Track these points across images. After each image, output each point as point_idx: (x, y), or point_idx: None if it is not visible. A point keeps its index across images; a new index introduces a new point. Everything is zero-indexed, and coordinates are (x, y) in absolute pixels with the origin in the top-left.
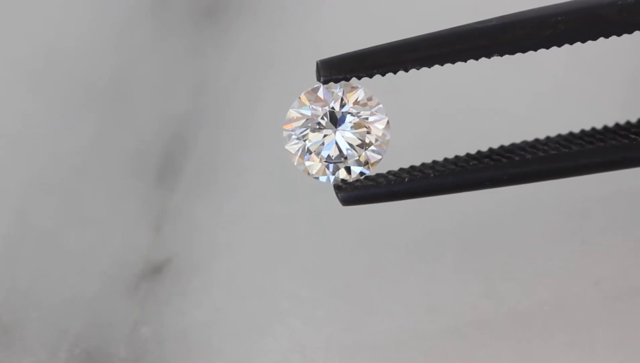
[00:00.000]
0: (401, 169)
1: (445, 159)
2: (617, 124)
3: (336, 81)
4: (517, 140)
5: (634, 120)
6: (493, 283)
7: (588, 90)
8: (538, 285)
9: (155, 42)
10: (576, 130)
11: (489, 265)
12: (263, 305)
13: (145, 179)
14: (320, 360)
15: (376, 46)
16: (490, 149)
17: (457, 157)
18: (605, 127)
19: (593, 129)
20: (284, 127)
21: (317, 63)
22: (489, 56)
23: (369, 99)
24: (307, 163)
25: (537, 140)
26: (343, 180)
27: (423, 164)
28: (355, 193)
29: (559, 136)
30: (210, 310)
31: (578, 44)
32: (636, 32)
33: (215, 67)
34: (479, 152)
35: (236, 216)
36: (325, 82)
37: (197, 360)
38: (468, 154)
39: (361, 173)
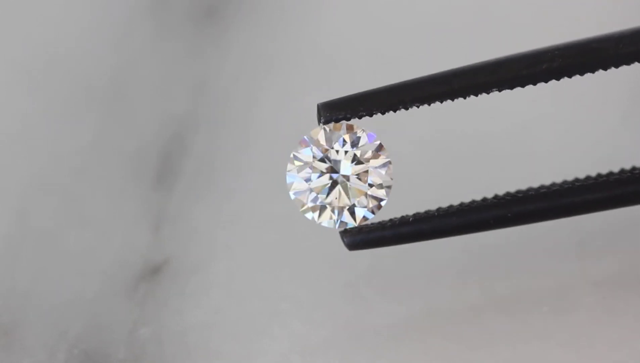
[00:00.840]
0: (406, 215)
1: (450, 205)
2: (621, 169)
3: (337, 121)
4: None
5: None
6: (492, 284)
7: (588, 98)
8: (536, 286)
9: (154, 43)
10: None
11: (487, 265)
12: (262, 306)
13: (144, 180)
14: (319, 361)
15: (376, 88)
16: (496, 195)
17: (461, 203)
18: (610, 172)
19: (598, 174)
20: (287, 171)
21: (317, 106)
22: (487, 92)
23: (372, 140)
24: (312, 209)
25: (542, 185)
26: (347, 225)
27: (427, 210)
28: (360, 236)
29: (564, 181)
30: (209, 311)
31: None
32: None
33: (214, 68)
34: (484, 198)
35: (235, 217)
36: (326, 123)
37: (196, 361)
38: (473, 200)
39: (365, 218)
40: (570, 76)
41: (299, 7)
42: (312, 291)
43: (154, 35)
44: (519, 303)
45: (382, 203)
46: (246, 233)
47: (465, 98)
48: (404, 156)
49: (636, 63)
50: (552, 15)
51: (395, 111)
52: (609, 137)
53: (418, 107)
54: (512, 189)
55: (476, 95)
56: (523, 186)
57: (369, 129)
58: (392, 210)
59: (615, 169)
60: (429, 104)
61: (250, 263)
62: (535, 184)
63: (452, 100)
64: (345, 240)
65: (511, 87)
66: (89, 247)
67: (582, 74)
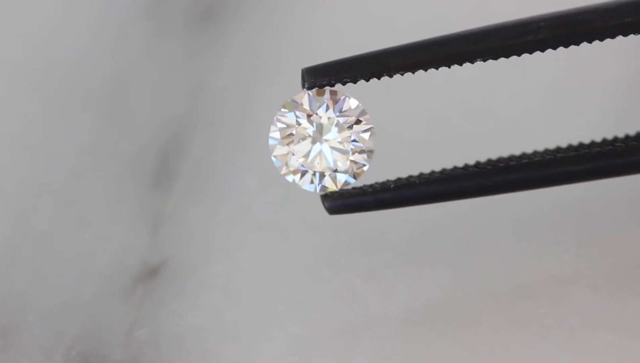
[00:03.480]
0: (387, 181)
1: (432, 171)
2: (604, 139)
3: (321, 87)
4: (510, 142)
5: (621, 135)
6: (489, 284)
7: (582, 90)
8: (534, 287)
9: (152, 45)
10: (567, 135)
11: (485, 266)
12: (260, 308)
13: (142, 181)
14: (316, 362)
15: (361, 54)
16: (477, 162)
17: (443, 169)
18: (592, 141)
19: (580, 143)
20: (270, 134)
21: (302, 70)
22: (472, 61)
23: (355, 106)
24: (294, 173)
25: (524, 153)
26: (329, 189)
27: (409, 176)
28: (341, 201)
29: (546, 149)
30: (207, 313)
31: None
32: (619, 37)
33: (212, 69)
34: (466, 165)
35: (233, 218)
36: (310, 88)
37: (193, 362)
38: (455, 167)
39: (347, 182)
40: (554, 48)
41: (295, 10)
42: (310, 293)
43: (151, 37)
44: (517, 305)
45: (364, 168)
46: (244, 235)
47: (449, 67)
48: (389, 123)
49: (620, 36)
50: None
51: (379, 78)
52: (604, 134)
53: (402, 74)
54: (496, 147)
55: (460, 64)
56: (510, 142)
57: (355, 96)
58: (375, 177)
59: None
60: (413, 72)
61: (248, 264)
62: (521, 141)
63: (437, 68)
64: (326, 204)
65: (495, 58)
66: (86, 248)
67: (566, 46)
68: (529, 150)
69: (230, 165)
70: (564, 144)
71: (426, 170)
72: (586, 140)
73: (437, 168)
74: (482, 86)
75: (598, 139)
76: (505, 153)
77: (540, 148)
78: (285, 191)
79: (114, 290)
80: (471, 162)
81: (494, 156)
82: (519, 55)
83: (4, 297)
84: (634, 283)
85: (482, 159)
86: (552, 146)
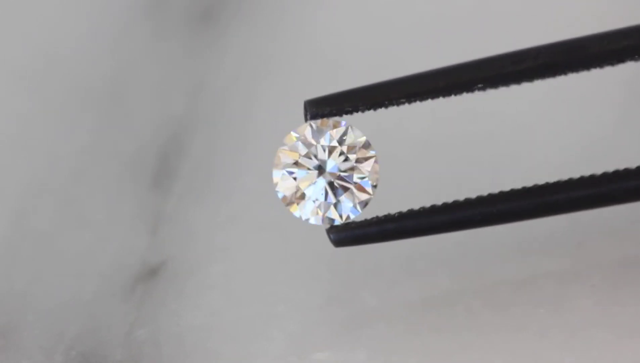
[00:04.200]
0: (390, 213)
1: (433, 204)
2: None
3: (323, 116)
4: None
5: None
6: (488, 285)
7: (585, 91)
8: (534, 287)
9: (151, 45)
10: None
11: (484, 266)
12: (260, 308)
13: (142, 181)
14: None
15: (363, 86)
16: (479, 196)
17: (444, 203)
18: (592, 175)
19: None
20: (273, 168)
21: (304, 103)
22: (472, 90)
23: (359, 137)
24: (298, 206)
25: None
26: (334, 222)
27: (410, 209)
28: (346, 233)
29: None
30: (206, 313)
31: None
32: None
33: (212, 69)
34: (466, 199)
35: (233, 219)
36: (312, 118)
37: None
38: (456, 200)
39: (351, 215)
40: (554, 75)
41: (296, 10)
42: (309, 293)
43: (151, 37)
44: (516, 305)
45: (368, 200)
46: (244, 235)
47: (448, 96)
48: (393, 155)
49: (620, 64)
50: (551, 14)
51: (380, 107)
52: (605, 137)
53: (402, 104)
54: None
55: (460, 93)
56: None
57: (359, 127)
58: (380, 210)
59: (611, 170)
60: (414, 101)
61: (248, 264)
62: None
63: (436, 98)
64: (331, 236)
65: (495, 86)
66: (86, 249)
67: (565, 72)
68: (532, 157)
69: (230, 165)
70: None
71: (432, 200)
72: (586, 145)
73: (442, 196)
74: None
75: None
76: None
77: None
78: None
79: (114, 290)
80: (476, 185)
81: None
82: (518, 83)
83: (4, 297)
84: (634, 283)
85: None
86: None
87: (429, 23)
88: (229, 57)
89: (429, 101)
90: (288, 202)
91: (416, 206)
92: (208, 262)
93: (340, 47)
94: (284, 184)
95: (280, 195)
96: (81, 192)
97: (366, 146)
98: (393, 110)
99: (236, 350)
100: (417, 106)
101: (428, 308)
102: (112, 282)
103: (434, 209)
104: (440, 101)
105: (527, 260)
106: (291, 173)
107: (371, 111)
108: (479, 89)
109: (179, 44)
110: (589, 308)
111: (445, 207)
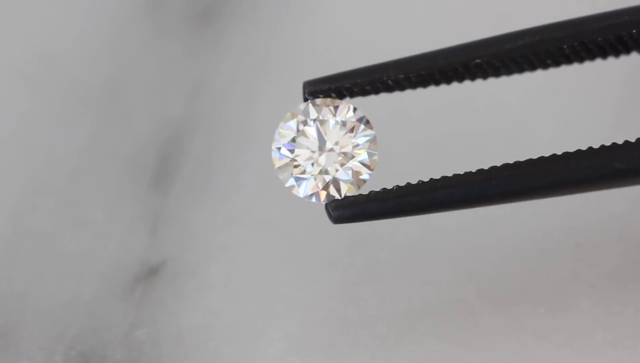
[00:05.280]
0: (390, 188)
1: (431, 179)
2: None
3: (321, 94)
4: (512, 143)
5: (621, 134)
6: (488, 285)
7: (583, 90)
8: (533, 287)
9: (151, 45)
10: (568, 134)
11: (483, 266)
12: (259, 308)
13: (141, 182)
14: (316, 362)
15: (358, 67)
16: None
17: (443, 177)
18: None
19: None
20: (272, 146)
21: (303, 83)
22: (469, 69)
23: (356, 114)
24: (297, 183)
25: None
26: (332, 199)
27: (408, 184)
28: (345, 210)
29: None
30: (206, 313)
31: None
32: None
33: (211, 69)
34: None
35: (232, 218)
36: (310, 96)
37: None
38: (456, 175)
39: (351, 190)
40: (551, 58)
41: (295, 10)
42: (309, 293)
43: (150, 37)
44: (516, 304)
45: (367, 177)
46: (243, 235)
47: (446, 74)
48: (392, 134)
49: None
50: (551, 14)
51: (378, 85)
52: (603, 133)
53: (401, 83)
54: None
55: (458, 72)
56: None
57: (356, 103)
58: (379, 185)
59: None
60: (411, 82)
61: (247, 264)
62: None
63: (434, 77)
64: (330, 213)
65: (493, 65)
66: (85, 249)
67: (564, 53)
68: (531, 149)
69: (229, 165)
70: (565, 143)
71: (430, 175)
72: (587, 139)
73: (441, 172)
74: (483, 86)
75: (596, 140)
76: (507, 152)
77: (542, 146)
78: (285, 191)
79: (113, 290)
80: (475, 163)
81: (496, 154)
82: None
83: (3, 297)
84: (634, 283)
85: (486, 157)
86: (552, 144)
87: (429, 23)
88: (228, 57)
89: (430, 84)
90: (286, 179)
91: (414, 179)
92: (208, 262)
93: (339, 47)
94: (282, 161)
95: (279, 173)
96: (80, 192)
97: (365, 123)
98: (395, 94)
99: (236, 350)
100: (419, 91)
101: (428, 308)
102: (111, 282)
103: (434, 185)
104: (443, 87)
105: (527, 260)
106: (290, 150)
107: (371, 95)
108: (477, 66)
109: (178, 44)
110: (589, 308)
111: (446, 182)
